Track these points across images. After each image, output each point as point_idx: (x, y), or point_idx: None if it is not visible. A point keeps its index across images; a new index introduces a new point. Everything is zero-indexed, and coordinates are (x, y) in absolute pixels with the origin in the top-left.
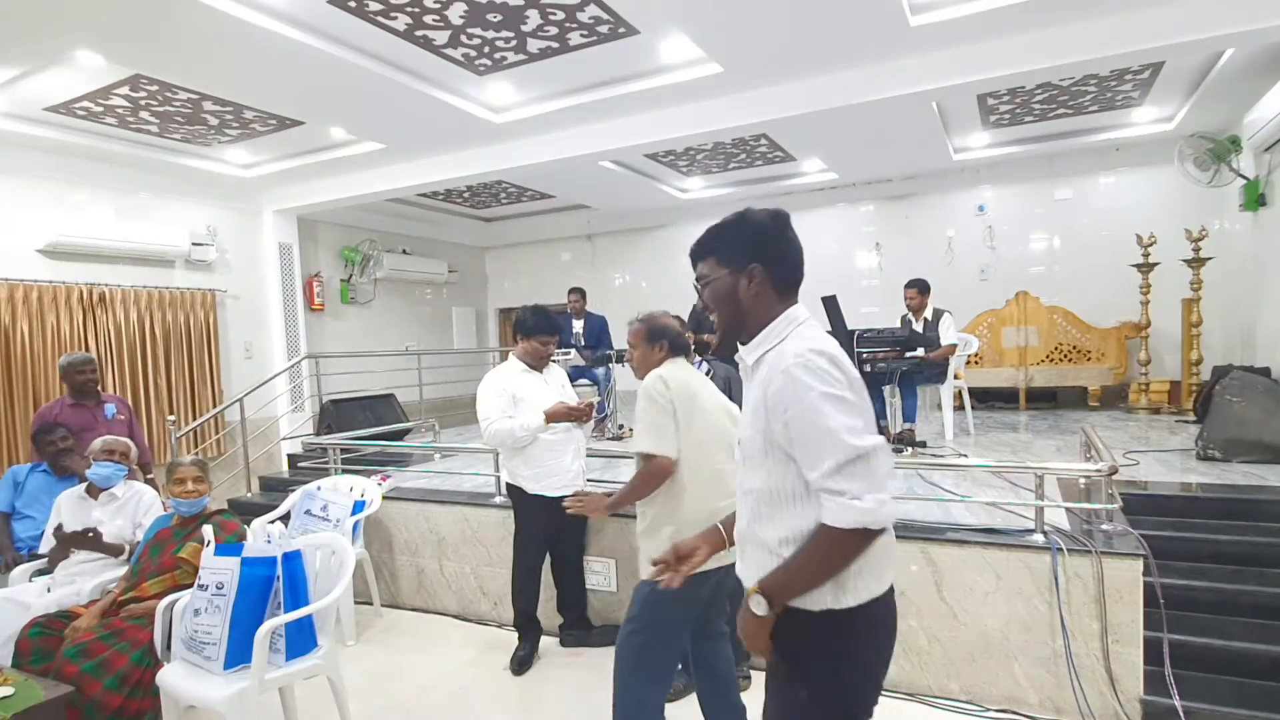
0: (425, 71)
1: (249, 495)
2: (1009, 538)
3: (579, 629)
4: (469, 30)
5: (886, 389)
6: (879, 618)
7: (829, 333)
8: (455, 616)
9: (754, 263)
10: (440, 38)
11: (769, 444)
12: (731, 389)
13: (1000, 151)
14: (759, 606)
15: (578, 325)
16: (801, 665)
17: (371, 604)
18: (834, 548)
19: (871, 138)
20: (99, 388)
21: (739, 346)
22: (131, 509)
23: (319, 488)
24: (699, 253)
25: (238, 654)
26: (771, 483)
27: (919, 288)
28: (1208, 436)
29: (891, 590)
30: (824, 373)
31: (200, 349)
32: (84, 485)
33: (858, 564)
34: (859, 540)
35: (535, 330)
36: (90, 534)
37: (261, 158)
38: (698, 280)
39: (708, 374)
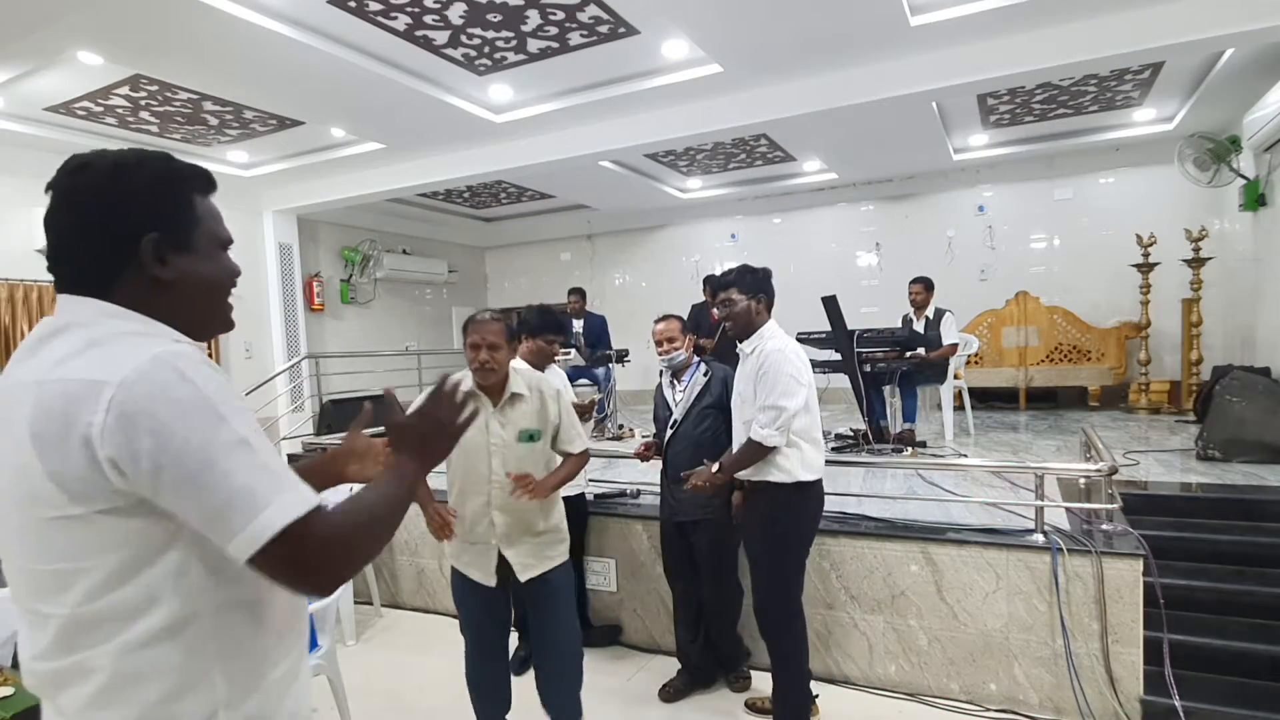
0: (425, 71)
1: None
2: (1009, 538)
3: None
4: (469, 30)
5: (887, 389)
6: (815, 492)
7: (828, 332)
8: (455, 616)
9: (760, 294)
10: (440, 38)
11: (756, 393)
12: (726, 389)
13: (1000, 151)
14: (715, 468)
15: (577, 325)
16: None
17: (371, 604)
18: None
19: (871, 138)
20: None
21: (738, 343)
22: None
23: None
24: (727, 283)
25: None
26: (751, 415)
27: (924, 284)
28: (1208, 436)
29: (820, 481)
30: (791, 361)
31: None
32: None
33: (802, 457)
34: (762, 451)
35: (541, 329)
36: None
37: (261, 158)
38: (722, 300)
39: (706, 374)
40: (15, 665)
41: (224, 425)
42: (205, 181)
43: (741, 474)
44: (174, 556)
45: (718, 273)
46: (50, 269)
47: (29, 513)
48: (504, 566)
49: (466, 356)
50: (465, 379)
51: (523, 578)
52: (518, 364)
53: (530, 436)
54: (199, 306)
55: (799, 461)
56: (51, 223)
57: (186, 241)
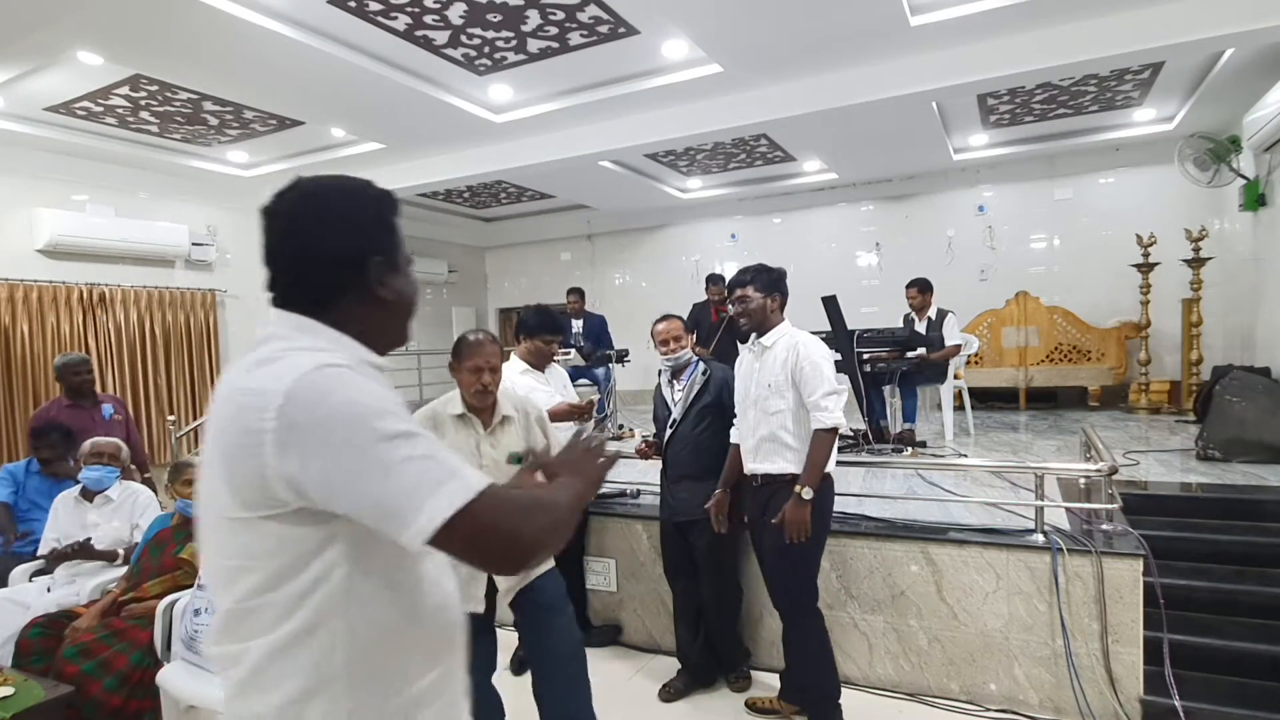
0: (425, 71)
1: None
2: (1009, 538)
3: (578, 629)
4: (469, 30)
5: (887, 389)
6: (831, 483)
7: (828, 332)
8: None
9: (775, 292)
10: (440, 38)
11: (789, 383)
12: (724, 388)
13: (1000, 151)
14: (808, 494)
15: (577, 325)
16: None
17: None
18: (825, 441)
19: (871, 138)
20: (95, 388)
21: (752, 338)
22: (128, 510)
23: None
24: (744, 281)
25: None
26: (789, 404)
27: (919, 287)
28: (1208, 436)
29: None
30: (821, 348)
31: (200, 349)
32: (79, 487)
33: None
34: (834, 436)
35: (539, 329)
36: (78, 543)
37: (261, 158)
38: (739, 296)
39: (705, 373)
40: (15, 665)
41: (386, 422)
42: (397, 204)
43: (762, 469)
44: (316, 568)
45: (718, 272)
46: (271, 288)
47: (214, 510)
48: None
49: (460, 379)
50: (454, 403)
51: (506, 599)
52: (504, 381)
53: (519, 459)
54: (400, 323)
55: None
56: (280, 248)
57: (397, 263)
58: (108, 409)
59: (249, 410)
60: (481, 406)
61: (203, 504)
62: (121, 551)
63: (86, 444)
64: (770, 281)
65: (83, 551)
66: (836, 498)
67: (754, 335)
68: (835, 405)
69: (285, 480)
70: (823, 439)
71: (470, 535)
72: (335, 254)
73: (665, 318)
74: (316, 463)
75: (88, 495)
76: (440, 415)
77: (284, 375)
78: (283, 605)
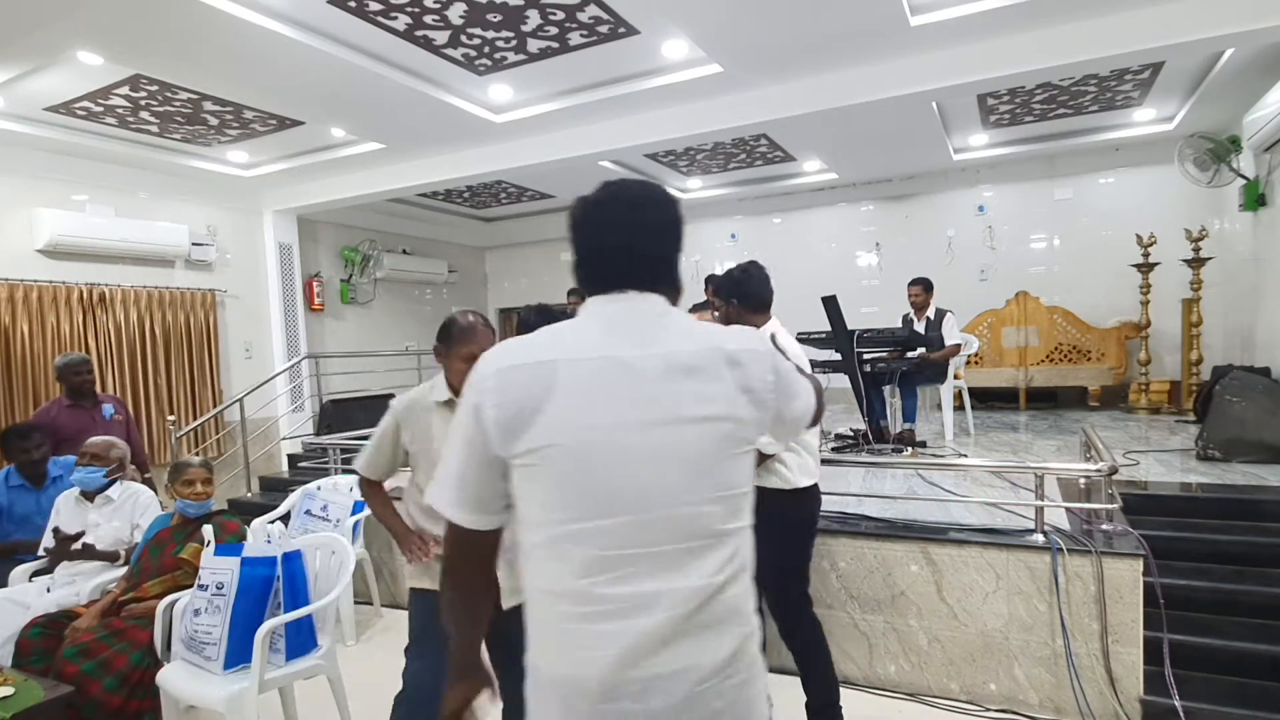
0: (425, 71)
1: (249, 495)
2: (1009, 538)
3: None
4: (469, 30)
5: (886, 389)
6: (813, 494)
7: (828, 332)
8: None
9: (733, 297)
10: (440, 38)
11: None
12: None
13: (1000, 151)
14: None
15: None
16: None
17: (371, 604)
18: None
19: (871, 138)
20: (96, 388)
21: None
22: (128, 510)
23: (319, 488)
24: (708, 287)
25: (238, 654)
26: None
27: (923, 285)
28: (1208, 436)
29: (816, 485)
30: (794, 345)
31: (200, 349)
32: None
33: (801, 463)
34: None
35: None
36: (81, 544)
37: (261, 158)
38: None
39: None
40: (15, 665)
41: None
42: None
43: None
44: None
45: (718, 273)
46: (632, 272)
47: (725, 449)
48: None
49: (452, 366)
50: (440, 389)
51: (506, 603)
52: None
53: None
54: None
55: (798, 468)
56: (664, 241)
57: None
58: (108, 409)
59: (756, 363)
60: None
61: (683, 449)
62: (122, 552)
63: (85, 444)
64: (728, 286)
65: (85, 552)
66: (838, 497)
67: None
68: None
69: (770, 415)
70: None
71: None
72: (678, 249)
73: None
74: (784, 402)
75: (88, 495)
76: (422, 403)
77: (752, 337)
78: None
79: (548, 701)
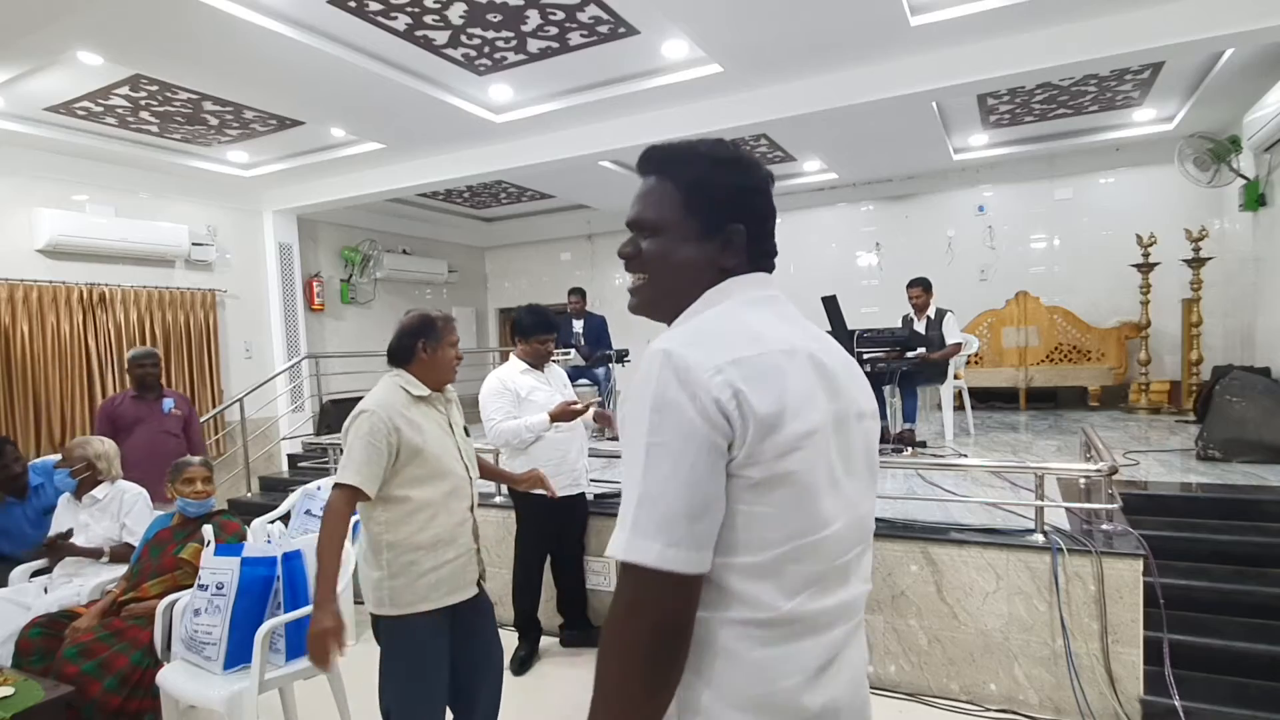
0: (425, 71)
1: (249, 495)
2: (1009, 538)
3: (579, 629)
4: (469, 30)
5: (887, 389)
6: None
7: (828, 332)
8: None
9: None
10: (440, 38)
11: None
12: None
13: (1000, 151)
14: None
15: (578, 325)
16: None
17: None
18: None
19: (871, 138)
20: (161, 381)
21: None
22: (114, 509)
23: (319, 488)
24: None
25: (237, 654)
26: None
27: (923, 286)
28: (1208, 436)
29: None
30: None
31: (200, 349)
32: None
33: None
34: None
35: (533, 331)
36: (58, 542)
37: (261, 158)
38: None
39: None
40: (15, 665)
41: None
42: None
43: None
44: None
45: None
46: (775, 250)
47: (871, 461)
48: None
49: (441, 357)
50: (414, 384)
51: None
52: (506, 381)
53: (466, 431)
54: None
55: None
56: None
57: None
58: (168, 403)
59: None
60: (446, 384)
61: (867, 447)
62: (108, 549)
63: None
64: None
65: (66, 550)
66: None
67: None
68: None
69: None
70: None
71: None
72: None
73: None
74: None
75: (79, 496)
76: (397, 403)
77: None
78: None
79: None
